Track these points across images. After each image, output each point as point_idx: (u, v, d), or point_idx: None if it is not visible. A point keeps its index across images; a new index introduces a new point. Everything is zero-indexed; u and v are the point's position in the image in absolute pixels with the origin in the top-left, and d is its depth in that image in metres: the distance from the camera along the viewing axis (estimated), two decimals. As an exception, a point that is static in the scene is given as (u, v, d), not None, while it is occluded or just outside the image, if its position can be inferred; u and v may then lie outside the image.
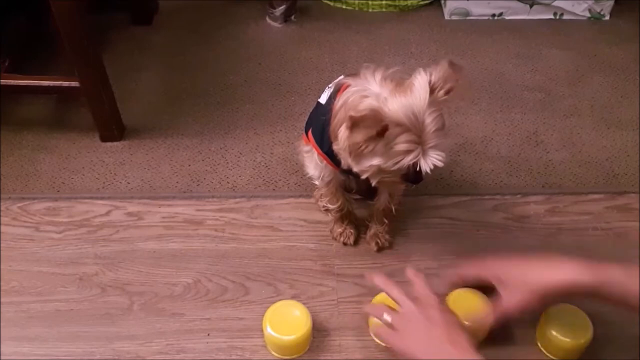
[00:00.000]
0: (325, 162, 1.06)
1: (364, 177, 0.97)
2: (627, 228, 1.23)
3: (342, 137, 0.93)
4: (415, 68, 1.58)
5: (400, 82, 0.93)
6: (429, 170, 0.90)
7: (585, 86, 1.57)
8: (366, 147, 0.90)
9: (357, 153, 0.92)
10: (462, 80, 0.91)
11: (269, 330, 0.99)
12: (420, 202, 1.27)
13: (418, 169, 0.90)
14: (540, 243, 1.21)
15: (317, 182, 1.14)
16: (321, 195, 1.17)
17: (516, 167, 1.36)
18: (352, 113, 0.89)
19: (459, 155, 1.38)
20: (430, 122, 0.88)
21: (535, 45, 1.69)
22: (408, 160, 0.89)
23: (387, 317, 0.95)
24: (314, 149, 1.06)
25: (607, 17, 1.79)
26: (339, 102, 0.96)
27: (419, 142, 0.88)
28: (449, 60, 0.90)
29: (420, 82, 0.90)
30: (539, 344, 1.04)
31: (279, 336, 0.99)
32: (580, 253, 1.16)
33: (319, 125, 1.02)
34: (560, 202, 1.28)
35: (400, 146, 0.88)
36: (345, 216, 1.18)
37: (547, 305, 0.97)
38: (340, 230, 1.19)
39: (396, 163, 0.90)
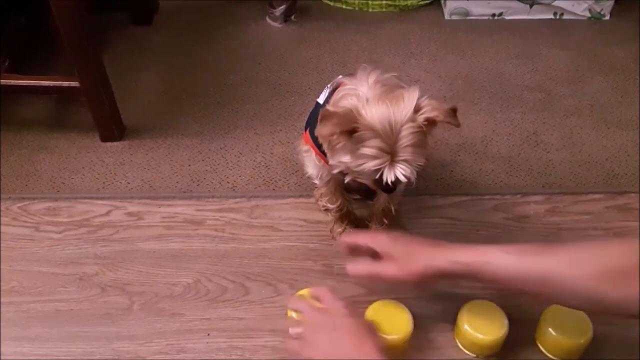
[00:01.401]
0: (322, 161, 1.06)
1: (335, 171, 1.00)
2: (627, 228, 1.23)
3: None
4: (415, 68, 1.59)
5: (392, 89, 0.94)
6: (389, 182, 0.91)
7: (585, 86, 1.57)
8: (337, 142, 0.93)
9: (331, 146, 0.95)
10: (450, 122, 0.92)
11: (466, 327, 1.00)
12: (420, 202, 1.27)
13: (378, 176, 0.91)
14: (540, 243, 1.20)
15: (316, 182, 1.14)
16: (321, 194, 1.17)
17: (516, 167, 1.36)
18: (328, 108, 0.91)
19: (459, 155, 1.38)
20: (405, 135, 0.89)
21: (535, 45, 1.69)
22: (372, 165, 0.90)
23: (293, 330, 0.95)
24: (311, 149, 1.07)
25: (607, 17, 1.79)
26: (331, 101, 0.98)
27: (389, 151, 0.89)
28: (455, 106, 0.92)
29: (410, 96, 0.91)
30: (539, 344, 1.04)
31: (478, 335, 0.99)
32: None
33: (315, 124, 1.03)
34: (560, 202, 1.28)
35: (367, 150, 0.89)
36: (345, 216, 1.18)
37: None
38: (340, 230, 1.19)
39: (360, 165, 0.91)
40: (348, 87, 0.97)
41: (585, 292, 0.79)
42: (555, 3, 1.76)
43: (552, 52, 1.67)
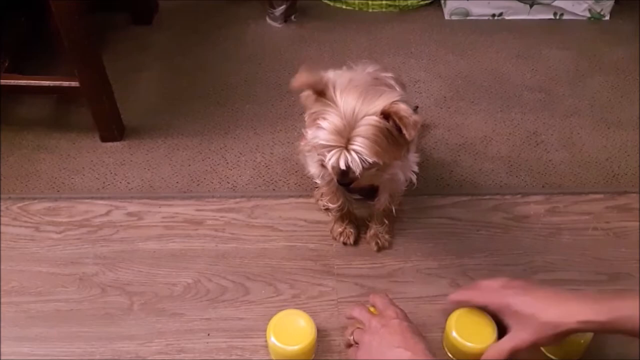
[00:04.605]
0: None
1: (307, 149, 1.02)
2: (627, 228, 1.23)
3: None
4: (415, 68, 1.59)
5: (379, 84, 0.95)
6: (329, 166, 0.91)
7: (585, 86, 1.57)
8: (308, 99, 0.94)
9: (306, 108, 0.96)
10: (402, 126, 0.88)
11: (273, 339, 0.99)
12: (420, 202, 1.27)
13: (330, 162, 0.91)
14: (540, 243, 1.21)
15: (318, 181, 1.14)
16: (322, 194, 1.18)
17: (516, 167, 1.36)
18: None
19: (459, 155, 1.38)
20: (362, 125, 0.88)
21: (535, 45, 1.69)
22: (323, 139, 0.90)
23: (350, 336, 0.98)
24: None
25: (607, 17, 1.79)
26: None
27: (344, 136, 0.89)
28: (427, 124, 0.91)
29: (388, 96, 0.91)
30: (539, 344, 1.04)
31: (284, 346, 0.98)
32: (580, 253, 1.18)
33: None
34: (560, 202, 1.28)
35: (324, 123, 0.89)
36: (346, 216, 1.18)
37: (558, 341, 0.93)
38: (340, 230, 1.19)
39: (315, 137, 0.91)
40: (340, 71, 1.00)
41: None
42: (555, 3, 1.76)
43: (552, 52, 1.67)
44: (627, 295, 0.86)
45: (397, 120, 0.88)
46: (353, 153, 0.89)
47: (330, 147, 0.90)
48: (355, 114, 0.88)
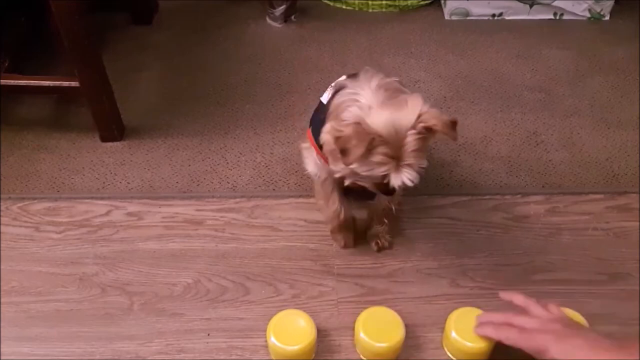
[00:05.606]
0: (323, 161, 1.06)
1: (337, 176, 0.99)
2: (627, 228, 1.23)
3: (325, 141, 0.95)
4: (415, 68, 1.59)
5: (394, 94, 0.95)
6: (396, 187, 0.92)
7: (585, 86, 1.57)
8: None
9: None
10: (447, 134, 0.91)
11: (273, 339, 0.99)
12: (420, 202, 1.27)
13: (386, 181, 0.92)
14: (540, 243, 1.21)
15: (315, 179, 1.13)
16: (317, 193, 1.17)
17: (516, 167, 1.36)
18: (337, 134, 0.90)
19: (459, 155, 1.38)
20: (410, 140, 0.89)
21: (535, 45, 1.69)
22: (380, 171, 0.91)
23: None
24: (313, 147, 1.07)
25: (607, 17, 1.79)
26: (332, 103, 0.98)
27: (395, 156, 0.90)
28: (455, 119, 0.91)
29: (414, 102, 0.91)
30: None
31: (284, 346, 0.98)
32: (581, 253, 1.18)
33: (318, 124, 1.03)
34: (560, 202, 1.28)
35: (376, 157, 0.90)
36: (343, 226, 1.17)
37: None
38: (339, 237, 1.18)
39: (368, 170, 0.91)
40: (349, 90, 0.97)
41: None
42: (555, 3, 1.76)
43: (552, 52, 1.67)
44: None
45: (443, 133, 0.90)
46: (409, 168, 0.90)
47: (388, 172, 0.91)
48: (396, 132, 0.89)
